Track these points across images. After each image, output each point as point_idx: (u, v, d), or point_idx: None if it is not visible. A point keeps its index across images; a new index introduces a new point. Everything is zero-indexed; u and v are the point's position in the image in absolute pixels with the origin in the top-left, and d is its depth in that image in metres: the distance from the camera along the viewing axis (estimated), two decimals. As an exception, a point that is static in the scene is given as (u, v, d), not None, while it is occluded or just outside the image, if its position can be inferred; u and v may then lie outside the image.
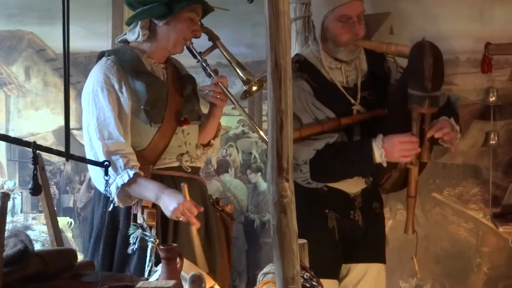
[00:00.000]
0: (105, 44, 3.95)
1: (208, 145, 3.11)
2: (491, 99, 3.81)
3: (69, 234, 4.14)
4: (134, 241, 2.75)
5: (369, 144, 3.05)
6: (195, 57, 2.96)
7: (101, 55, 2.94)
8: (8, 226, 3.95)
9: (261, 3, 1.85)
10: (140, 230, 2.75)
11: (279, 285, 1.88)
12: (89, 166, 2.95)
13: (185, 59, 3.10)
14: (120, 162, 2.71)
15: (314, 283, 2.28)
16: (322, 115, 3.16)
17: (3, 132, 4.03)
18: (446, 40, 3.83)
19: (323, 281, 2.42)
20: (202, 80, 3.26)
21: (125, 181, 2.69)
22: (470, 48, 3.87)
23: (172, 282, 2.07)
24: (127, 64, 2.86)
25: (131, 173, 2.70)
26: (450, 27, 3.86)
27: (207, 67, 2.95)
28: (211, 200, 3.08)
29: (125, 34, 2.99)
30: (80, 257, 2.73)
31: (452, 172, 3.94)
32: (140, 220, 2.77)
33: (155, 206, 2.78)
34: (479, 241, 3.96)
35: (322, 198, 3.22)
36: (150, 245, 2.73)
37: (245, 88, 2.94)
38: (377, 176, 3.24)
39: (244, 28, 3.93)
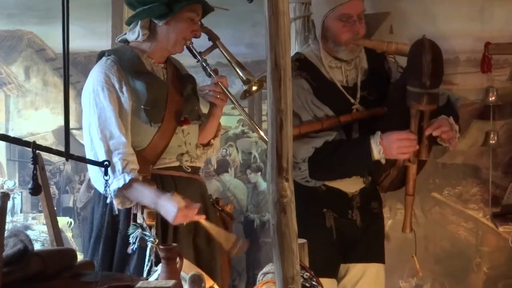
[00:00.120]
0: (105, 44, 3.95)
1: (208, 145, 3.11)
2: (490, 99, 3.81)
3: (69, 234, 4.14)
4: (134, 240, 2.75)
5: (367, 141, 3.06)
6: (195, 57, 2.96)
7: (101, 54, 2.94)
8: (8, 226, 3.95)
9: (260, 2, 1.85)
10: (139, 230, 2.75)
11: (279, 284, 1.88)
12: (88, 166, 2.95)
13: (185, 59, 3.10)
14: (118, 165, 2.71)
15: (314, 282, 2.28)
16: (321, 114, 3.16)
17: (2, 131, 4.03)
18: (446, 39, 3.83)
19: (321, 280, 2.42)
20: (202, 80, 3.26)
21: (120, 185, 2.70)
22: (469, 47, 3.87)
23: (171, 282, 2.07)
24: (127, 63, 2.86)
25: (127, 178, 2.70)
26: (450, 26, 3.86)
27: (207, 67, 2.95)
28: (211, 200, 3.08)
29: (125, 34, 2.99)
30: (80, 257, 2.74)
31: (452, 172, 3.94)
32: (140, 220, 2.77)
33: (155, 206, 2.78)
34: (479, 241, 3.96)
35: (320, 197, 3.22)
36: (149, 244, 2.73)
37: (245, 88, 2.94)
38: (375, 174, 3.24)
39: (243, 28, 3.93)
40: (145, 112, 2.83)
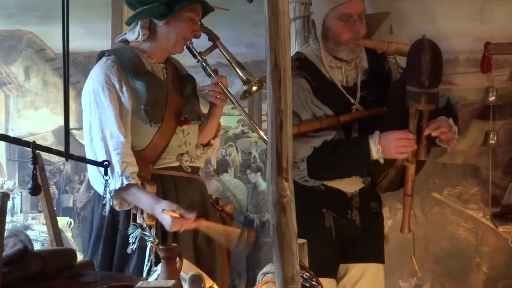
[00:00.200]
0: (105, 44, 3.95)
1: (208, 145, 3.11)
2: (490, 99, 3.81)
3: (68, 234, 4.14)
4: (134, 240, 2.75)
5: (366, 141, 3.06)
6: (195, 57, 2.96)
7: (101, 55, 2.94)
8: (8, 226, 3.95)
9: (260, 3, 1.85)
10: (139, 230, 2.75)
11: (279, 284, 1.88)
12: (88, 166, 2.95)
13: (185, 59, 3.10)
14: (117, 167, 2.71)
15: (313, 282, 2.28)
16: (320, 113, 3.16)
17: (2, 131, 4.03)
18: (446, 39, 3.83)
19: (321, 280, 2.42)
20: (202, 80, 3.26)
21: (117, 187, 2.70)
22: (469, 47, 3.87)
23: (171, 282, 2.07)
24: (127, 64, 2.86)
25: (125, 182, 2.70)
26: (450, 26, 3.86)
27: (207, 67, 2.95)
28: (210, 200, 3.08)
29: (125, 33, 2.99)
30: (80, 257, 2.74)
31: (451, 172, 3.94)
32: (139, 220, 2.77)
33: (154, 206, 2.78)
34: (479, 241, 3.96)
35: (319, 197, 3.22)
36: (149, 245, 2.73)
37: (245, 88, 2.94)
38: (374, 174, 3.24)
39: (243, 28, 3.93)
40: (145, 112, 2.83)
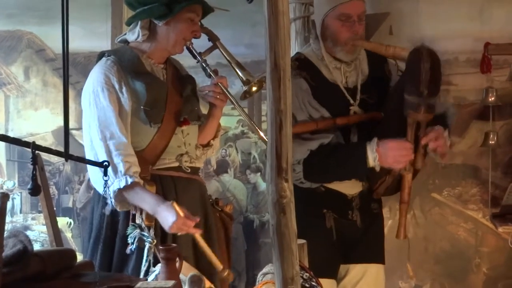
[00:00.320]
0: (105, 44, 3.95)
1: (207, 145, 3.11)
2: (490, 99, 3.81)
3: (68, 234, 4.14)
4: (132, 241, 2.75)
5: (363, 147, 3.05)
6: (195, 57, 2.95)
7: (101, 55, 2.94)
8: (8, 227, 3.95)
9: (260, 3, 1.85)
10: (138, 230, 2.75)
11: (279, 285, 1.88)
12: (88, 166, 2.94)
13: (185, 59, 3.10)
14: (121, 167, 2.70)
15: (313, 283, 2.28)
16: (317, 115, 3.15)
17: (2, 132, 4.03)
18: (445, 40, 3.83)
19: (321, 281, 2.42)
20: (202, 81, 3.26)
21: (121, 186, 2.69)
22: (469, 48, 3.87)
23: (171, 283, 2.07)
24: (126, 64, 2.85)
25: (130, 180, 2.69)
26: (449, 27, 3.86)
27: (206, 68, 2.95)
28: (210, 200, 3.08)
29: (125, 34, 2.99)
30: (80, 257, 2.73)
31: (451, 172, 3.95)
32: (138, 220, 2.77)
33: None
34: (479, 241, 3.96)
35: (319, 198, 3.22)
36: (147, 245, 2.73)
37: (244, 88, 2.93)
38: (371, 181, 3.24)
39: (243, 28, 3.93)
40: (145, 112, 2.82)
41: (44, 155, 3.26)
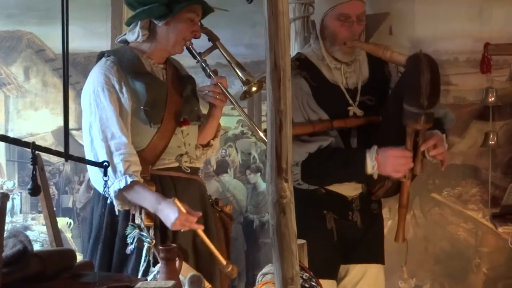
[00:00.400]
0: (105, 44, 3.95)
1: (207, 145, 3.11)
2: (490, 100, 3.81)
3: (68, 235, 4.14)
4: (131, 241, 2.75)
5: (363, 155, 3.05)
6: (194, 57, 2.95)
7: (101, 55, 2.94)
8: (8, 227, 3.95)
9: (260, 3, 1.85)
10: (137, 231, 2.75)
11: (278, 285, 1.88)
12: (88, 166, 2.94)
13: (185, 60, 3.10)
14: (120, 166, 2.70)
15: (313, 283, 2.28)
16: (315, 117, 3.14)
17: (2, 132, 4.03)
18: (445, 40, 3.84)
19: (321, 281, 2.42)
20: (201, 81, 3.26)
21: (121, 186, 2.69)
22: (469, 48, 3.88)
23: (171, 283, 2.07)
24: (126, 64, 2.85)
25: (129, 180, 2.69)
26: (449, 27, 3.86)
27: (206, 68, 2.95)
28: (210, 200, 3.08)
29: (125, 34, 2.99)
30: (80, 258, 2.73)
31: (451, 173, 3.94)
32: (138, 220, 2.77)
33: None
34: (478, 242, 3.97)
35: (320, 199, 3.21)
36: (145, 245, 2.73)
37: (244, 88, 2.93)
38: (370, 185, 3.23)
39: (243, 29, 3.93)
40: (145, 112, 2.82)
41: (44, 155, 3.25)
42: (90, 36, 4.00)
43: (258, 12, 1.89)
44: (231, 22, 3.81)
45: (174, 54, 2.98)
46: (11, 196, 4.03)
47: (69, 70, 2.06)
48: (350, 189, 3.24)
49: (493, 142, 3.83)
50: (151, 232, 2.76)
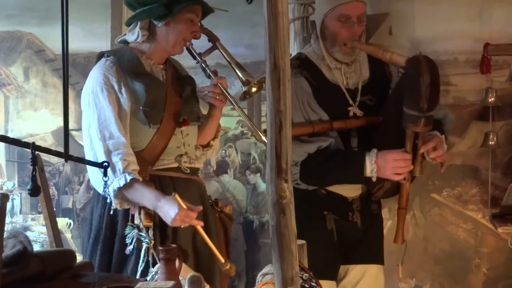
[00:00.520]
0: (104, 45, 3.95)
1: (207, 146, 3.11)
2: (490, 100, 3.81)
3: (68, 235, 4.14)
4: (130, 241, 2.75)
5: (362, 157, 3.05)
6: (194, 58, 2.95)
7: (100, 55, 2.94)
8: (7, 227, 3.95)
9: (260, 4, 1.85)
10: (136, 231, 2.75)
11: (278, 286, 1.88)
12: (87, 167, 2.94)
13: (185, 60, 3.10)
14: (119, 165, 2.70)
15: (313, 284, 2.28)
16: (315, 117, 3.14)
17: (2, 133, 4.03)
18: (445, 40, 3.84)
19: (321, 282, 2.41)
20: (201, 81, 3.26)
21: (121, 185, 2.68)
22: (469, 48, 3.88)
23: (171, 283, 2.07)
24: (126, 64, 2.85)
25: (128, 178, 2.69)
26: (449, 27, 3.86)
27: (206, 68, 2.95)
28: (210, 201, 3.08)
29: (125, 34, 2.99)
30: (79, 258, 2.73)
31: (451, 173, 3.94)
32: (137, 221, 2.77)
33: (153, 206, 2.78)
34: (478, 242, 3.97)
35: (320, 200, 3.21)
36: (144, 245, 2.73)
37: (244, 89, 2.93)
38: (369, 186, 3.23)
39: (243, 29, 3.93)
40: (144, 113, 2.82)
41: (44, 156, 3.26)
42: (90, 37, 4.00)
43: (258, 13, 1.89)
44: (231, 23, 3.81)
45: (174, 55, 2.98)
46: (11, 196, 4.03)
47: (68, 70, 2.06)
48: (350, 190, 3.24)
49: (493, 143, 3.83)
50: (150, 232, 2.76)
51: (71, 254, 2.38)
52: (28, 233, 3.95)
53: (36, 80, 4.15)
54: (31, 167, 1.95)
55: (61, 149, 2.12)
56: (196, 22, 2.90)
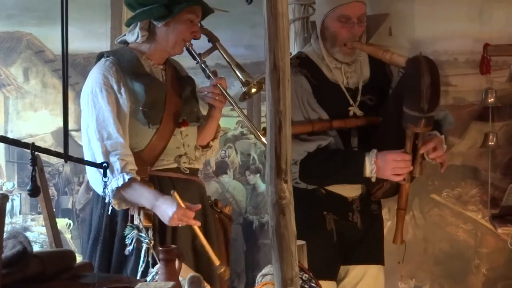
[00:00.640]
0: (104, 45, 3.95)
1: (207, 146, 3.11)
2: (489, 100, 3.81)
3: (68, 236, 4.14)
4: (130, 242, 2.75)
5: (362, 158, 3.05)
6: (194, 58, 2.95)
7: (100, 56, 2.94)
8: (7, 228, 3.93)
9: (260, 4, 1.85)
10: (135, 231, 2.75)
11: (278, 286, 1.88)
12: (87, 167, 2.94)
13: (184, 60, 3.10)
14: (117, 165, 2.70)
15: (312, 284, 2.28)
16: (315, 116, 3.14)
17: (1, 133, 4.03)
18: (445, 40, 3.84)
19: (321, 282, 2.41)
20: (201, 82, 3.26)
21: (119, 184, 2.69)
22: (468, 49, 3.88)
23: (171, 284, 2.07)
24: (126, 65, 2.85)
25: (127, 177, 2.69)
26: (449, 27, 3.86)
27: (206, 69, 2.95)
28: (209, 201, 3.08)
29: (125, 35, 2.99)
30: (79, 259, 2.73)
31: (451, 173, 3.94)
32: (136, 221, 2.77)
33: (153, 207, 2.78)
34: (478, 242, 3.96)
35: (320, 200, 3.21)
36: (144, 246, 2.72)
37: (244, 89, 2.93)
38: (369, 186, 3.23)
39: (243, 29, 3.93)
40: (143, 113, 2.82)
41: (44, 156, 3.25)
42: (90, 37, 4.00)
43: (258, 13, 1.89)
44: (231, 23, 3.81)
45: (174, 55, 2.98)
46: (10, 197, 4.02)
47: (68, 71, 2.06)
48: (350, 190, 3.24)
49: (492, 143, 3.83)
50: (150, 233, 2.76)
51: (70, 255, 2.37)
52: (27, 234, 3.95)
53: (35, 81, 4.15)
54: (30, 168, 1.95)
55: (61, 150, 2.12)
56: (196, 22, 2.90)
